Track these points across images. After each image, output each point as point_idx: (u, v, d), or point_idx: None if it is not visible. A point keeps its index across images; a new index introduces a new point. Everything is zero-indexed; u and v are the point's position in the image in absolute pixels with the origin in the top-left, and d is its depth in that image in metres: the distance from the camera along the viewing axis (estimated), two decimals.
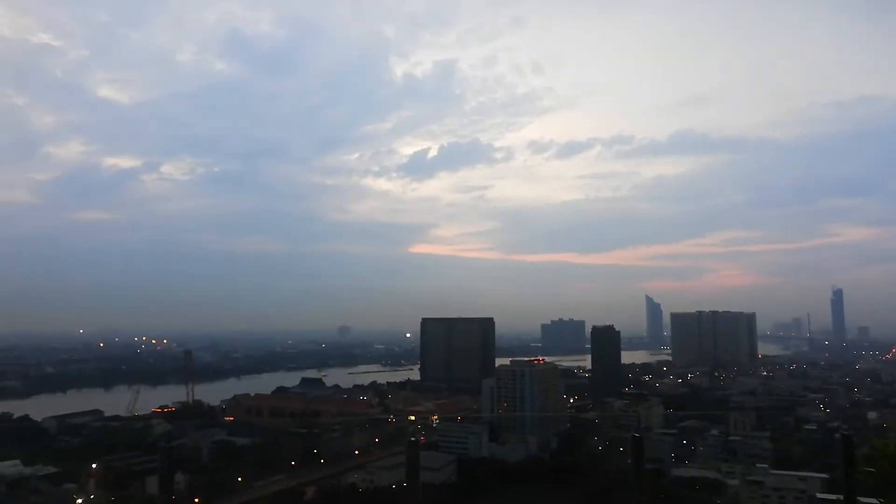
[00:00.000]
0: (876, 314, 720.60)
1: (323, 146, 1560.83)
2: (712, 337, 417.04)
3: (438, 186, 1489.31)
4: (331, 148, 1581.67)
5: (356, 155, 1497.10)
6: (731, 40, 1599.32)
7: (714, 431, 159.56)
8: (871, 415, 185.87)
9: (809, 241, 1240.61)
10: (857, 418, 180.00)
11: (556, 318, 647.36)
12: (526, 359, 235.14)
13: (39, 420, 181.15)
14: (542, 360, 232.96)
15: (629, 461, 17.55)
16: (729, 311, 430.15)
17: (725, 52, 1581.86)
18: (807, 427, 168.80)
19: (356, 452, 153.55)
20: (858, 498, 15.17)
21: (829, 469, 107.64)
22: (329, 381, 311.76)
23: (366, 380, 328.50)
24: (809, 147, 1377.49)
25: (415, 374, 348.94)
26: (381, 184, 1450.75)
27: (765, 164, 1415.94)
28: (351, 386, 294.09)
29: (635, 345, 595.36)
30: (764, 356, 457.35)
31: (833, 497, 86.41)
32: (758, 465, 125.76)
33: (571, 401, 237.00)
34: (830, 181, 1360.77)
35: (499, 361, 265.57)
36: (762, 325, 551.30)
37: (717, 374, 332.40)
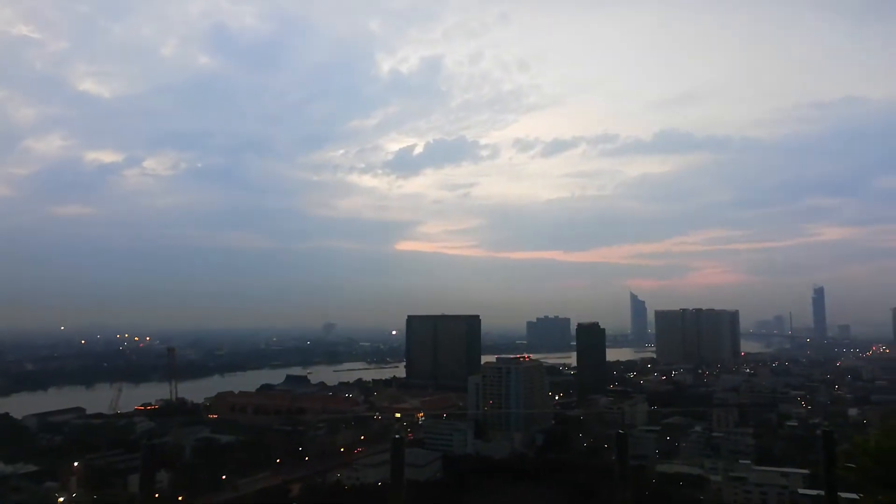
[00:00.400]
0: (856, 312, 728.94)
1: (308, 142, 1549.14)
2: (696, 335, 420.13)
3: (424, 183, 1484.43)
4: (316, 144, 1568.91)
5: (341, 151, 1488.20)
6: (716, 40, 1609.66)
7: (697, 428, 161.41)
8: (852, 411, 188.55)
9: (792, 240, 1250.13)
10: (838, 415, 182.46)
11: (542, 316, 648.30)
12: (511, 356, 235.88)
13: (20, 418, 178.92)
14: (528, 357, 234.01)
15: (614, 457, 17.42)
16: (712, 309, 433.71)
17: (711, 52, 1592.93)
18: (788, 423, 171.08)
19: (341, 450, 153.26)
20: (839, 493, 15.27)
21: (810, 465, 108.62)
22: (314, 379, 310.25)
23: (351, 377, 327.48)
24: (793, 147, 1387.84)
25: (400, 371, 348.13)
26: (367, 180, 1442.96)
27: (748, 163, 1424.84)
28: (336, 383, 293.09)
29: (620, 342, 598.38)
30: (747, 353, 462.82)
31: (814, 492, 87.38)
32: (740, 461, 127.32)
33: (557, 398, 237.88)
34: (813, 181, 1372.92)
35: (484, 359, 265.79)
36: (745, 323, 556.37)
37: (700, 371, 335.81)
